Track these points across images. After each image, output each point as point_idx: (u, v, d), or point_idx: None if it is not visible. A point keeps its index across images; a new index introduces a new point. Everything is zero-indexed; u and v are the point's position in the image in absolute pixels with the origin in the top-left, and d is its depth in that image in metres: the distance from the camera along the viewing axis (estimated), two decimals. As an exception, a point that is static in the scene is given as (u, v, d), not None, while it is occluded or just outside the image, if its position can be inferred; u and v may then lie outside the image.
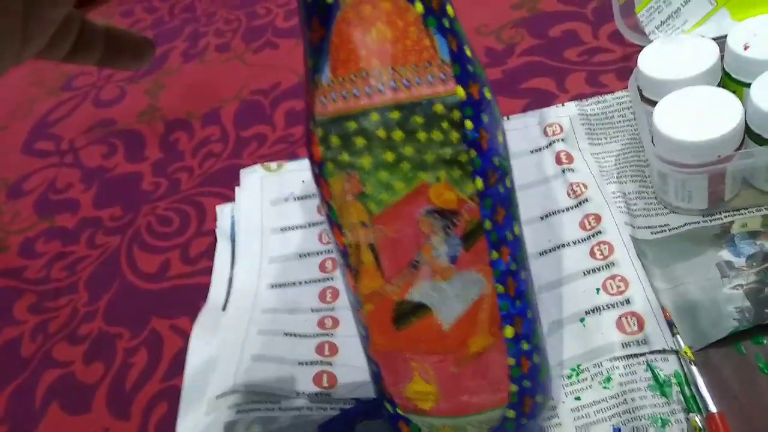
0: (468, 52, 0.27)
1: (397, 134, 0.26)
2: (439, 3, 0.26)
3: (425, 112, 0.26)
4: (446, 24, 0.26)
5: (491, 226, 0.28)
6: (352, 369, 0.38)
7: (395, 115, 0.25)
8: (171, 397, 0.42)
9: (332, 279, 0.44)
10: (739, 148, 0.38)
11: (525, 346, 0.30)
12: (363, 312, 0.29)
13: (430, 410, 0.30)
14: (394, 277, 0.28)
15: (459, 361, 0.29)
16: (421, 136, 0.26)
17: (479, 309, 0.29)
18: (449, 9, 0.26)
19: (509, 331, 0.29)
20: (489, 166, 0.27)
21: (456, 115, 0.26)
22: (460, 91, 0.26)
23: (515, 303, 0.29)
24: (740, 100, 0.39)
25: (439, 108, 0.26)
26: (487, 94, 0.27)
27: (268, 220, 0.49)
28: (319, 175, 0.27)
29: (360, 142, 0.26)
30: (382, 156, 0.26)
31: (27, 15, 0.22)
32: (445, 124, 0.26)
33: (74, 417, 0.43)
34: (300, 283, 0.44)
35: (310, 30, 0.26)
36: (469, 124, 0.26)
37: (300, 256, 0.46)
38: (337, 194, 0.27)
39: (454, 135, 0.26)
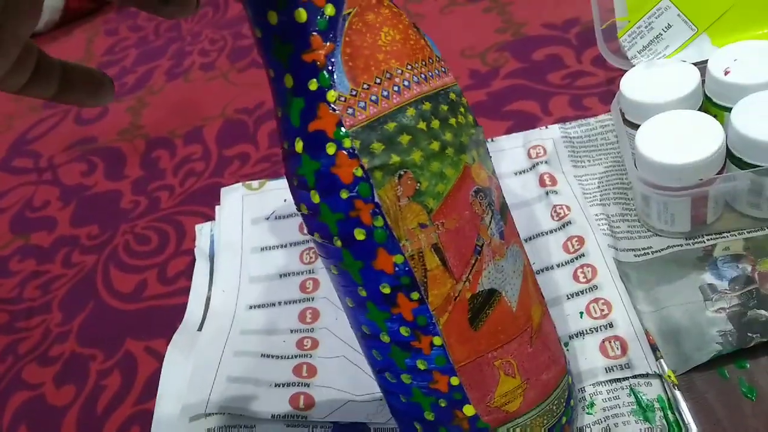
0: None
1: (435, 123, 0.26)
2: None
3: (446, 100, 0.27)
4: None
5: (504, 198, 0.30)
6: (330, 390, 0.37)
7: (427, 106, 0.26)
8: (144, 421, 0.40)
9: (312, 299, 0.43)
10: (720, 172, 0.38)
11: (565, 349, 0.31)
12: (439, 327, 0.27)
13: (520, 407, 0.29)
14: (462, 271, 0.27)
15: (531, 338, 0.29)
16: (452, 121, 0.27)
17: (527, 279, 0.30)
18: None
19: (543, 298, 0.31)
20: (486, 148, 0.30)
21: (464, 100, 0.28)
22: (456, 81, 0.28)
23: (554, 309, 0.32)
24: (721, 124, 0.39)
25: (453, 96, 0.27)
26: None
27: (248, 239, 0.48)
28: (354, 198, 0.26)
29: (405, 138, 0.26)
30: (428, 147, 0.26)
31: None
32: (462, 109, 0.28)
33: (42, 441, 0.42)
34: (280, 303, 0.44)
35: (307, 52, 0.25)
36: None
37: (280, 276, 0.45)
38: (390, 204, 0.26)
39: (470, 117, 0.28)
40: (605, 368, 0.35)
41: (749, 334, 0.34)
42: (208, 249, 0.49)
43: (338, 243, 0.27)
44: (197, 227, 0.51)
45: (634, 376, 0.35)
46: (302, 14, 0.25)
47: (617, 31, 0.46)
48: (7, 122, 0.75)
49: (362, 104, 0.25)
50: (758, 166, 0.37)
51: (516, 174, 0.47)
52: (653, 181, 0.39)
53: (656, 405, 0.33)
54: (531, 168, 0.47)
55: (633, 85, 0.43)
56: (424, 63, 0.27)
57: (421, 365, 0.28)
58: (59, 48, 0.85)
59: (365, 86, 0.25)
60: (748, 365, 0.34)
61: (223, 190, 0.52)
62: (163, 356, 0.43)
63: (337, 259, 0.27)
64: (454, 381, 0.28)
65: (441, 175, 0.26)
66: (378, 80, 0.26)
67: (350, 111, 0.25)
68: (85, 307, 0.50)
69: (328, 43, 0.25)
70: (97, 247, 0.54)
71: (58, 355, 0.47)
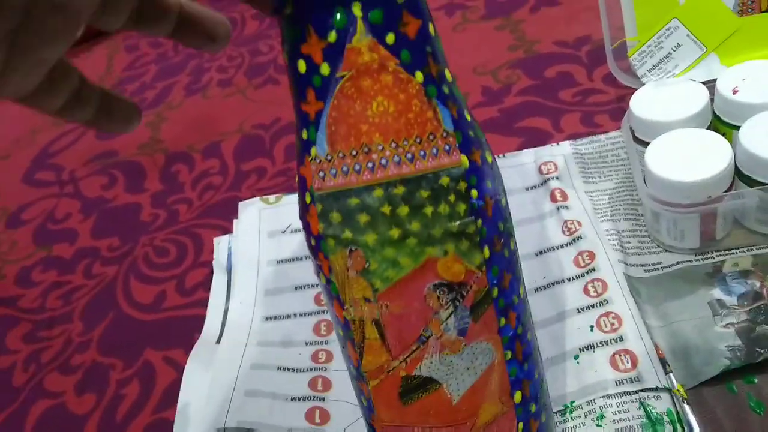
0: (468, 116, 0.26)
1: (403, 210, 0.25)
2: (437, 70, 0.25)
3: (431, 185, 0.25)
4: (446, 90, 0.25)
5: (498, 292, 0.27)
6: (345, 405, 0.38)
7: (400, 190, 0.25)
8: (162, 429, 0.41)
9: (326, 312, 0.44)
10: (729, 189, 0.39)
11: (533, 408, 0.30)
12: (368, 387, 0.28)
13: None
14: (400, 353, 0.27)
15: (470, 431, 0.28)
16: (428, 210, 0.25)
17: (489, 378, 0.28)
18: (447, 74, 0.26)
19: (518, 396, 0.29)
20: (495, 233, 0.26)
21: (462, 185, 0.25)
22: (464, 160, 0.25)
23: (523, 367, 0.29)
24: (729, 142, 0.40)
25: (445, 180, 0.25)
26: (489, 158, 0.27)
27: (264, 252, 0.49)
28: (317, 249, 0.26)
29: (363, 218, 0.25)
30: (387, 232, 0.25)
31: (12, 44, 0.21)
32: (451, 197, 0.25)
33: (64, 448, 0.43)
34: (295, 315, 0.45)
35: (304, 102, 0.25)
36: (474, 193, 0.25)
37: (296, 288, 0.46)
38: (339, 270, 0.26)
39: (461, 206, 0.25)
40: (615, 381, 0.36)
41: (758, 350, 0.35)
42: (226, 262, 0.50)
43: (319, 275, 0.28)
44: (215, 240, 0.52)
45: (644, 390, 0.35)
46: (303, 66, 0.24)
47: (627, 50, 0.47)
48: (31, 136, 0.77)
49: (333, 171, 0.25)
50: (766, 183, 0.38)
51: (527, 189, 0.48)
52: (662, 198, 0.39)
53: (665, 418, 0.34)
54: (542, 183, 0.48)
55: (643, 104, 0.44)
56: (418, 140, 0.25)
57: (364, 402, 0.29)
58: (80, 64, 0.87)
59: (341, 154, 0.25)
60: (757, 380, 0.34)
61: (241, 204, 0.53)
62: (182, 366, 0.44)
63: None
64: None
65: (394, 262, 0.25)
66: (354, 152, 0.24)
67: (321, 174, 0.25)
68: (105, 317, 0.51)
69: (319, 101, 0.25)
70: (117, 258, 0.56)
71: (79, 364, 0.48)
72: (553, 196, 0.46)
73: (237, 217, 0.53)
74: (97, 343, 0.49)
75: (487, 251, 0.26)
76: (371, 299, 0.26)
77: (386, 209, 0.25)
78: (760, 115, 0.40)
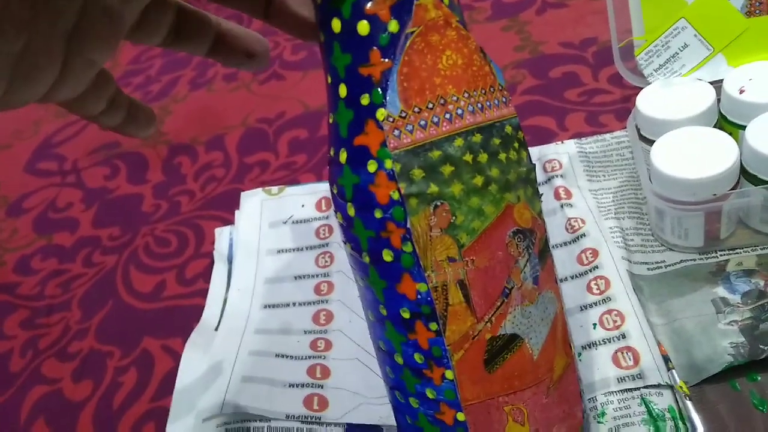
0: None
1: (483, 157, 0.25)
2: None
3: (500, 133, 0.26)
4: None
5: (548, 242, 0.28)
6: (344, 392, 0.38)
7: (477, 138, 0.25)
8: (159, 417, 0.41)
9: (327, 302, 0.44)
10: (734, 188, 0.39)
11: (578, 360, 0.31)
12: (451, 363, 0.26)
13: None
14: (486, 312, 0.26)
15: (548, 388, 0.28)
16: (502, 156, 0.26)
17: (556, 329, 0.28)
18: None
19: (570, 349, 0.30)
20: (537, 187, 0.28)
21: (521, 134, 0.27)
22: (516, 114, 0.27)
23: (568, 320, 0.30)
24: (736, 141, 0.39)
25: (509, 129, 0.26)
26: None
27: (265, 241, 0.49)
28: (387, 219, 0.25)
29: (447, 169, 0.25)
30: (471, 181, 0.25)
31: (69, 45, 0.22)
32: (516, 144, 0.26)
33: (59, 434, 0.42)
34: (294, 304, 0.44)
35: (365, 66, 0.25)
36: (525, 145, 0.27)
37: (295, 277, 0.46)
38: (421, 233, 0.25)
39: (524, 154, 0.27)
40: (617, 378, 0.36)
41: (761, 347, 0.35)
42: (227, 252, 0.50)
43: (366, 259, 0.27)
44: (216, 231, 0.52)
45: (646, 386, 0.35)
46: (365, 27, 0.24)
47: (634, 50, 0.47)
48: (34, 127, 0.77)
49: (410, 127, 0.25)
50: (772, 182, 0.38)
51: (532, 186, 0.48)
52: (667, 195, 0.39)
53: (667, 415, 0.33)
54: (546, 181, 0.47)
55: (649, 102, 0.44)
56: (483, 91, 0.26)
57: (430, 394, 0.28)
58: (86, 56, 0.87)
59: (416, 109, 0.25)
60: (760, 378, 0.34)
61: (243, 195, 0.53)
62: (180, 355, 0.43)
63: (364, 273, 0.27)
64: (460, 417, 0.27)
65: (479, 212, 0.25)
66: (430, 105, 0.25)
67: (396, 133, 0.25)
68: (104, 305, 0.51)
69: (386, 60, 0.24)
70: (117, 248, 0.56)
71: (77, 352, 0.47)
72: (557, 193, 0.46)
73: (239, 209, 0.53)
74: (96, 330, 0.49)
75: (540, 199, 0.28)
76: (456, 257, 0.25)
77: (468, 157, 0.25)
78: (767, 114, 0.39)
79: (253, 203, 0.52)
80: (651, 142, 0.42)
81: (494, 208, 0.26)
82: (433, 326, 0.26)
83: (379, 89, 0.25)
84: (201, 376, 0.41)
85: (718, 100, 0.43)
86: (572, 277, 0.42)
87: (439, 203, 0.25)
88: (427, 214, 0.25)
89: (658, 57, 0.47)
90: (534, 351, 0.27)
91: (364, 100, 0.25)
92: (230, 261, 0.49)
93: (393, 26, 0.24)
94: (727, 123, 0.42)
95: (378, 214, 0.25)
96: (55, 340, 0.49)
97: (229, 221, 0.53)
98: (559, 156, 0.49)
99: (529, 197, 0.27)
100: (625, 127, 0.50)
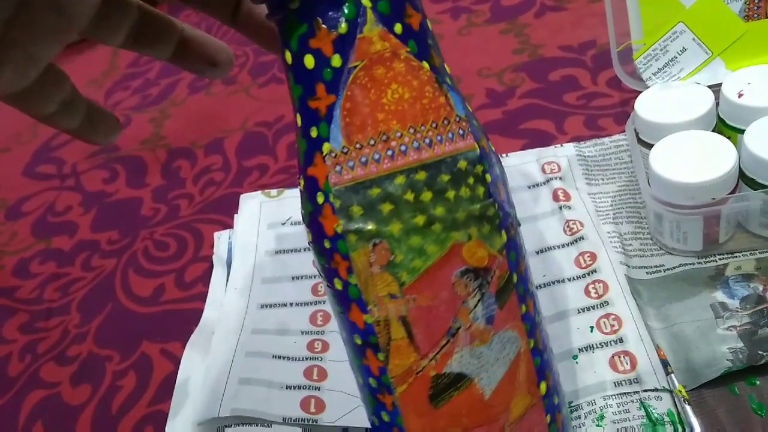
0: (468, 107, 0.27)
1: (426, 195, 0.25)
2: (439, 62, 0.25)
3: (450, 169, 0.25)
4: (449, 81, 0.26)
5: (517, 278, 0.27)
6: (340, 395, 0.38)
7: (421, 175, 0.24)
8: (158, 421, 0.41)
9: (324, 302, 0.44)
10: (733, 192, 0.39)
11: (555, 400, 0.29)
12: (394, 396, 0.27)
13: None
14: (430, 350, 0.26)
15: (502, 429, 0.27)
16: (450, 194, 0.25)
17: (517, 369, 0.27)
18: (447, 68, 0.26)
19: (543, 387, 0.28)
20: (508, 218, 0.27)
21: (479, 169, 0.25)
22: (476, 145, 0.25)
23: (544, 356, 0.28)
24: (734, 145, 0.39)
25: (463, 164, 0.25)
26: (492, 147, 0.27)
27: (263, 242, 0.49)
28: (333, 251, 0.25)
29: (386, 207, 0.24)
30: (412, 220, 0.24)
31: (4, 36, 0.21)
32: (470, 180, 0.25)
33: (57, 439, 0.42)
34: (291, 304, 0.44)
35: (313, 99, 0.24)
36: (488, 177, 0.26)
37: (293, 278, 0.46)
38: (361, 268, 0.25)
39: (480, 189, 0.25)
40: (614, 382, 0.36)
41: (760, 352, 0.35)
42: (226, 256, 0.50)
43: (325, 282, 0.27)
44: (216, 235, 0.52)
45: (645, 390, 0.35)
46: (311, 60, 0.24)
47: (633, 53, 0.47)
48: (32, 130, 0.77)
49: (351, 163, 0.24)
50: (770, 186, 0.38)
51: (529, 188, 0.48)
52: (666, 199, 0.39)
53: (666, 419, 0.33)
54: (545, 182, 0.48)
55: (648, 106, 0.44)
56: (434, 125, 0.25)
57: (384, 417, 0.28)
58: (84, 60, 0.87)
59: (357, 145, 0.24)
60: (758, 382, 0.34)
61: (242, 197, 0.53)
62: (179, 358, 0.43)
63: (328, 295, 0.28)
64: None
65: (420, 251, 0.25)
66: (372, 141, 0.24)
67: (338, 168, 0.24)
68: (103, 309, 0.50)
69: (330, 94, 0.24)
70: (116, 251, 0.55)
71: (76, 356, 0.47)
72: (556, 195, 0.46)
73: (238, 212, 0.53)
74: (94, 334, 0.49)
75: (504, 235, 0.26)
76: (397, 294, 0.25)
77: (409, 196, 0.24)
78: (766, 118, 0.39)
79: (252, 205, 0.52)
80: (650, 146, 0.42)
81: (437, 248, 0.25)
82: (381, 356, 0.26)
83: (325, 123, 0.24)
84: (199, 379, 0.41)
85: (717, 104, 0.43)
86: (570, 280, 0.42)
87: (377, 241, 0.25)
88: (367, 250, 0.25)
89: (656, 61, 0.47)
90: (486, 391, 0.27)
91: (314, 132, 0.25)
92: (229, 265, 0.49)
93: (335, 61, 0.24)
94: (725, 127, 0.42)
95: (327, 245, 0.25)
96: (53, 343, 0.49)
97: (228, 225, 0.53)
98: (558, 159, 0.49)
99: (486, 234, 0.26)
100: (624, 131, 0.50)
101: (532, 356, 0.28)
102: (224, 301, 0.46)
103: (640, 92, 0.46)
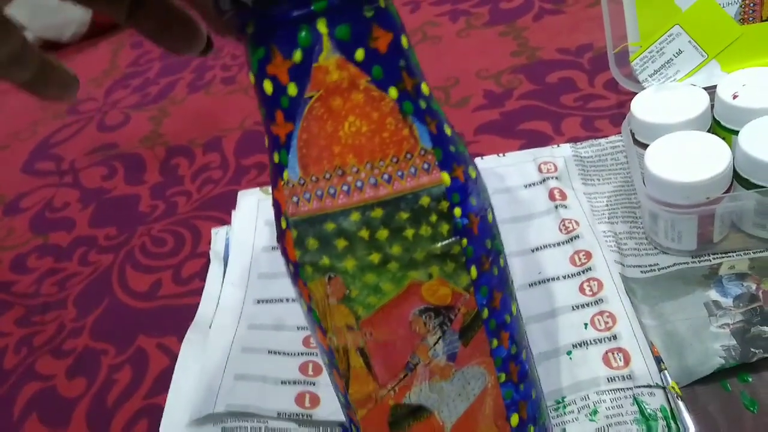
0: (448, 131, 0.25)
1: (382, 233, 0.23)
2: (413, 84, 0.24)
3: (411, 206, 0.23)
4: (423, 105, 0.24)
5: (489, 313, 0.26)
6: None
7: (378, 213, 0.23)
8: (152, 415, 0.41)
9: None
10: (727, 192, 0.39)
11: (531, 430, 0.29)
12: (356, 416, 0.27)
13: None
14: (388, 381, 0.26)
15: None
16: (409, 233, 0.24)
17: (483, 403, 0.27)
18: (424, 88, 0.24)
19: (515, 419, 0.28)
20: (482, 252, 0.25)
21: (444, 205, 0.24)
22: (446, 178, 0.24)
23: (519, 388, 0.28)
24: (729, 146, 0.40)
25: (425, 201, 0.24)
26: (472, 173, 0.25)
27: (260, 238, 0.49)
28: (297, 276, 0.25)
29: (341, 243, 0.23)
30: (366, 258, 0.24)
31: None
32: (433, 217, 0.24)
33: (52, 430, 0.42)
34: (288, 300, 0.44)
35: (274, 124, 0.24)
36: (458, 211, 0.24)
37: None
38: (319, 298, 0.25)
39: (444, 227, 0.24)
40: (607, 378, 0.36)
41: (752, 350, 0.35)
42: (223, 252, 0.50)
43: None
44: (213, 231, 0.52)
45: (638, 386, 0.35)
46: (269, 86, 0.23)
47: (629, 55, 0.48)
48: (32, 128, 0.77)
49: (307, 195, 0.23)
50: (765, 187, 0.38)
51: (526, 186, 0.48)
52: (661, 198, 0.39)
53: (659, 415, 0.34)
54: (541, 182, 0.48)
55: (644, 106, 0.44)
56: (395, 160, 0.23)
57: (354, 430, 0.28)
58: (85, 59, 0.87)
59: (314, 178, 0.23)
60: (751, 379, 0.34)
61: (240, 194, 0.53)
62: (175, 353, 0.43)
63: None
64: None
65: (376, 288, 0.24)
66: (328, 175, 0.23)
67: (295, 199, 0.24)
68: (99, 304, 0.51)
69: (288, 122, 0.23)
70: (113, 247, 0.56)
71: (71, 349, 0.47)
72: (552, 194, 0.47)
73: (236, 208, 0.53)
74: (90, 329, 0.49)
75: (474, 271, 0.25)
76: (354, 327, 0.25)
77: (364, 233, 0.23)
78: (761, 119, 0.40)
79: (250, 202, 0.52)
80: (645, 146, 0.42)
81: (393, 286, 0.24)
82: (343, 380, 0.26)
83: (285, 150, 0.24)
84: (195, 375, 0.41)
85: (712, 106, 0.43)
86: (564, 277, 0.42)
87: (333, 275, 0.24)
88: (323, 282, 0.24)
89: (652, 63, 0.47)
90: (446, 424, 0.27)
91: (276, 157, 0.24)
92: (226, 261, 0.49)
93: (291, 89, 0.23)
94: (720, 128, 0.43)
95: (291, 269, 0.25)
96: (49, 337, 0.49)
97: (226, 222, 0.54)
98: (554, 159, 0.49)
99: (449, 273, 0.24)
100: (620, 132, 0.51)
101: (502, 389, 0.27)
102: (221, 297, 0.46)
103: (637, 94, 0.46)
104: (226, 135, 0.65)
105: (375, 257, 0.24)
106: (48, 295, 0.53)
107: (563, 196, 0.46)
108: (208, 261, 0.50)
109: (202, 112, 0.70)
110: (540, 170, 0.49)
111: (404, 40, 0.24)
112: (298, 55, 0.22)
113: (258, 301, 0.45)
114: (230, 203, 0.55)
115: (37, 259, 0.57)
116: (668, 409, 0.34)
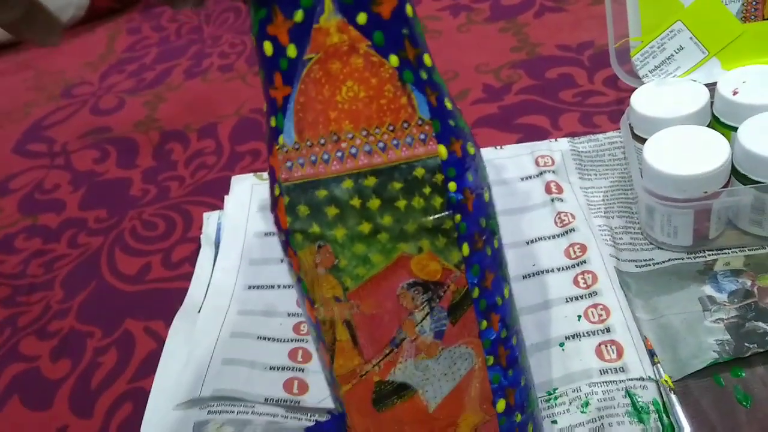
0: (448, 105, 0.24)
1: (374, 203, 0.23)
2: (415, 54, 0.23)
3: (404, 177, 0.23)
4: (424, 76, 0.23)
5: (479, 293, 0.25)
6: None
7: (371, 181, 0.23)
8: (137, 398, 0.40)
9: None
10: (725, 188, 0.39)
11: (518, 418, 0.28)
12: (340, 392, 0.27)
13: None
14: (373, 356, 0.25)
15: None
16: (401, 204, 0.23)
17: (469, 385, 0.26)
18: (426, 59, 0.24)
19: (501, 405, 0.27)
20: (475, 229, 0.24)
21: (438, 178, 0.23)
22: (442, 151, 0.23)
23: (507, 373, 0.27)
24: (728, 142, 0.40)
25: (419, 172, 0.23)
26: (470, 150, 0.25)
27: (253, 224, 0.48)
28: (287, 245, 0.24)
29: (331, 211, 0.23)
30: (357, 227, 0.23)
31: None
32: (426, 189, 0.23)
33: (34, 412, 0.42)
34: (279, 286, 0.44)
35: (272, 87, 0.23)
36: (452, 186, 0.23)
37: (281, 260, 0.45)
38: (308, 267, 0.24)
39: (437, 200, 0.23)
40: (600, 370, 0.35)
41: (746, 345, 0.34)
42: (215, 236, 0.49)
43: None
44: (205, 215, 0.52)
45: (630, 379, 0.35)
46: (269, 47, 0.23)
47: (630, 51, 0.48)
48: (25, 110, 0.76)
49: (301, 161, 0.23)
50: (762, 183, 0.38)
51: (522, 179, 0.48)
52: (658, 192, 0.39)
53: (651, 407, 0.33)
54: (538, 175, 0.47)
55: (643, 101, 0.44)
56: (391, 128, 0.23)
57: (339, 408, 0.28)
58: (82, 43, 0.86)
59: (308, 143, 0.23)
60: (744, 374, 0.34)
61: (234, 179, 0.53)
62: (162, 337, 0.43)
63: None
64: None
65: (364, 259, 0.23)
66: (323, 140, 0.23)
67: (289, 164, 0.23)
68: (87, 286, 0.50)
69: (286, 86, 0.23)
70: (103, 230, 0.55)
71: (57, 331, 0.47)
72: (548, 187, 0.46)
73: (229, 194, 0.52)
74: (77, 311, 0.48)
75: (466, 248, 0.24)
76: (341, 298, 0.24)
77: (356, 202, 0.23)
78: (760, 115, 0.40)
79: (244, 187, 0.52)
80: (644, 141, 0.42)
81: (383, 258, 0.23)
82: (329, 354, 0.26)
83: (282, 114, 0.23)
84: (183, 359, 0.40)
85: (712, 103, 0.43)
86: (559, 269, 0.41)
87: (322, 243, 0.23)
88: (313, 251, 0.24)
89: (653, 58, 0.47)
90: (430, 404, 0.26)
91: (273, 122, 0.24)
92: (217, 245, 0.49)
93: (291, 51, 0.22)
94: (719, 124, 0.43)
95: (282, 237, 0.24)
96: (34, 318, 0.48)
97: (218, 207, 0.53)
98: (552, 153, 0.49)
99: (440, 248, 0.24)
100: (618, 129, 0.50)
101: (489, 373, 0.26)
102: (211, 282, 0.45)
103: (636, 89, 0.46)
104: (222, 121, 0.65)
105: (365, 227, 0.23)
106: (34, 276, 0.52)
107: (559, 190, 0.46)
108: (199, 246, 0.50)
109: (198, 99, 0.70)
110: (537, 163, 0.48)
111: (409, 9, 0.23)
112: (299, 15, 0.22)
113: (249, 287, 0.44)
114: (223, 189, 0.54)
115: (25, 240, 0.56)
116: (660, 403, 0.33)
